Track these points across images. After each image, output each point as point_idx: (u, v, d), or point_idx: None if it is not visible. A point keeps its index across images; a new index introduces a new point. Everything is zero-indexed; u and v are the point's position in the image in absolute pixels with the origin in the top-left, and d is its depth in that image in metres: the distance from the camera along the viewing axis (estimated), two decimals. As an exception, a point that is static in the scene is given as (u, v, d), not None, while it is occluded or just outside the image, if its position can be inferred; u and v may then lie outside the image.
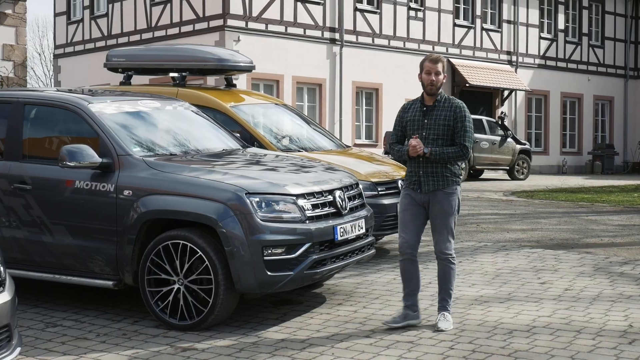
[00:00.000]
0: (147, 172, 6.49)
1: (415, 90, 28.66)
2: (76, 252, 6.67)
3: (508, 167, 26.16)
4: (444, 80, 6.14)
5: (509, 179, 26.25)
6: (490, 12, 31.43)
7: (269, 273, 6.07)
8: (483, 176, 27.02)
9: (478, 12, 30.78)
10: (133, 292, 6.77)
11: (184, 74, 10.24)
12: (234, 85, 10.86)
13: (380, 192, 9.08)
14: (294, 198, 6.32)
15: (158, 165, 6.56)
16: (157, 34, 26.01)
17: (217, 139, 7.87)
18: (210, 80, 20.88)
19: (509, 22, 31.85)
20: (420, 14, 28.92)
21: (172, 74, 10.62)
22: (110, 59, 10.96)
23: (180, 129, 7.72)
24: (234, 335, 5.98)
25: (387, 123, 27.42)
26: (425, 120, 6.11)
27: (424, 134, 6.08)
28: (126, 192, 6.45)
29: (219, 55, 10.60)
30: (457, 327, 6.13)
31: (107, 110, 7.00)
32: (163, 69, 10.92)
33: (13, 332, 4.70)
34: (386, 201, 9.05)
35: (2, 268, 4.99)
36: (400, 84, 27.92)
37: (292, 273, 6.17)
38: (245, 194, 6.13)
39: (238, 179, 6.34)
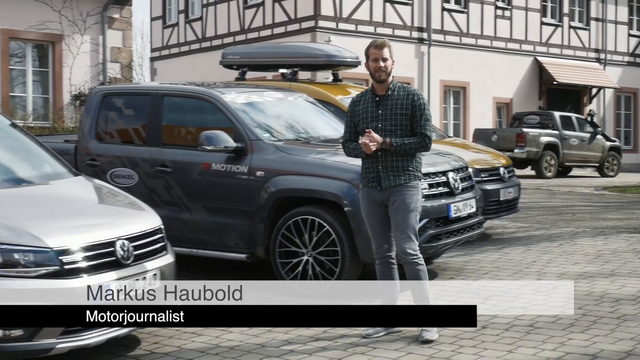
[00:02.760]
0: (277, 155, 7.17)
1: (502, 89, 29.04)
2: (212, 228, 7.38)
3: (598, 164, 26.05)
4: (393, 66, 5.69)
5: (599, 176, 26.18)
6: (578, 10, 31.39)
7: (390, 245, 6.66)
8: (572, 173, 27.02)
9: (565, 10, 30.79)
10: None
11: (295, 69, 10.93)
12: (340, 80, 11.49)
13: (483, 179, 9.59)
14: (412, 177, 6.89)
15: (286, 149, 7.23)
16: (250, 35, 26.88)
17: (332, 127, 8.50)
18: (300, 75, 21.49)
19: (597, 19, 31.74)
20: (507, 13, 29.13)
21: (282, 70, 11.30)
22: (225, 57, 11.72)
23: (300, 118, 8.39)
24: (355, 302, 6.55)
25: (475, 121, 27.74)
26: (380, 111, 5.60)
27: (379, 125, 5.57)
28: (258, 173, 7.13)
29: (327, 52, 11.26)
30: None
31: (238, 100, 7.72)
32: (274, 65, 11.63)
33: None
34: (489, 187, 9.56)
35: (164, 235, 5.74)
36: (488, 83, 28.23)
37: (411, 246, 6.75)
38: (369, 173, 6.72)
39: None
